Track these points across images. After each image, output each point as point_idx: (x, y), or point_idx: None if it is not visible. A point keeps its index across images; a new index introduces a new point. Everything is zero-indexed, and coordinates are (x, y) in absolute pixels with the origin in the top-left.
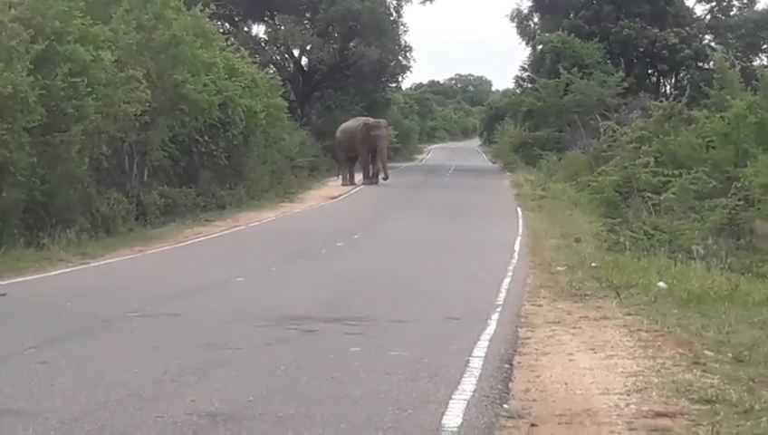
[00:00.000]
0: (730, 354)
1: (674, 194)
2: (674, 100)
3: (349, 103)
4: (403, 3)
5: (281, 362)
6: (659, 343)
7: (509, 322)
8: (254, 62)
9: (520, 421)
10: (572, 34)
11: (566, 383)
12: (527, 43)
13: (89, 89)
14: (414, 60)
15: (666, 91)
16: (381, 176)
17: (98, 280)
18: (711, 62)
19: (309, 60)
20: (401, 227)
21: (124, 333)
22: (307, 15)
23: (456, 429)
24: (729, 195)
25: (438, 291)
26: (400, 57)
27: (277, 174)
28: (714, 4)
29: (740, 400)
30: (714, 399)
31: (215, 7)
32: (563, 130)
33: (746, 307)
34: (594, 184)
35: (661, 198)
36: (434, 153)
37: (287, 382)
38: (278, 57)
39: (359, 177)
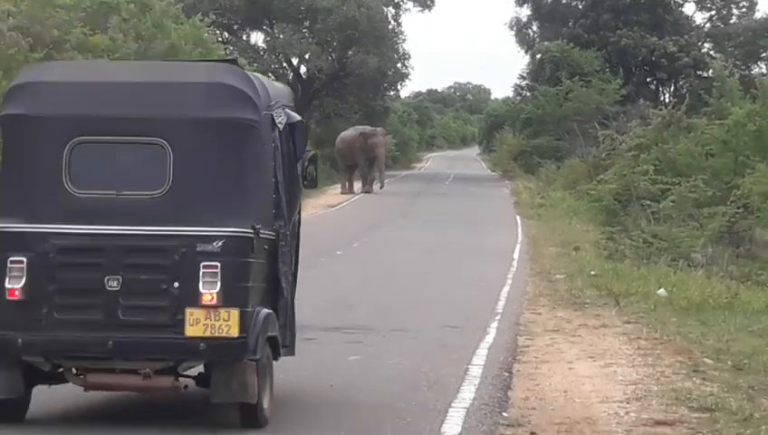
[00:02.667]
0: (729, 362)
1: (673, 202)
2: (673, 108)
3: (348, 112)
4: (401, 11)
5: (279, 370)
6: (659, 352)
7: (508, 330)
8: (253, 71)
9: (519, 429)
10: (571, 43)
11: (565, 391)
12: (526, 52)
13: None
14: (412, 68)
15: (665, 99)
16: (377, 185)
17: None
18: (710, 71)
19: (308, 68)
20: (400, 236)
21: None
22: (306, 24)
23: None
24: (728, 203)
25: (438, 299)
26: (399, 65)
27: None
28: (713, 12)
29: (739, 408)
30: (713, 407)
31: (214, 16)
32: (562, 139)
33: (746, 315)
34: (593, 192)
35: (660, 206)
36: (433, 161)
37: (286, 391)
38: (277, 66)
39: (358, 185)
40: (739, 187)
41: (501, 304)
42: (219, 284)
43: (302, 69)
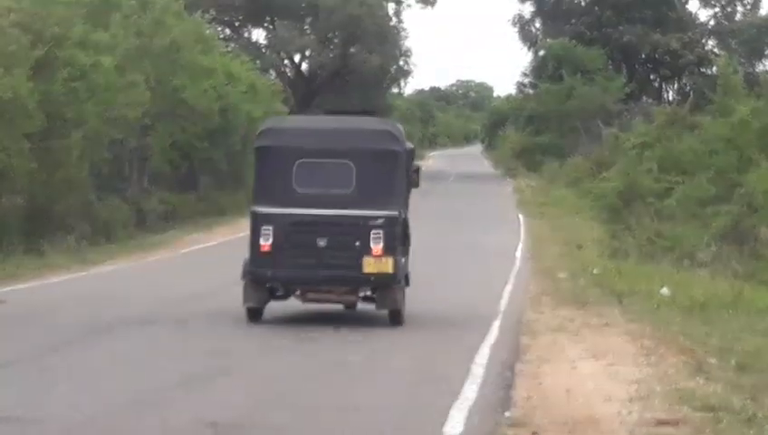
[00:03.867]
0: (733, 362)
1: (677, 200)
2: (677, 105)
3: (350, 109)
4: (403, 8)
5: (282, 370)
6: (662, 351)
7: (511, 329)
8: (255, 68)
9: (522, 429)
10: (574, 40)
11: (568, 391)
12: (529, 49)
13: (89, 93)
14: (414, 65)
15: (668, 96)
16: None
17: (98, 287)
18: (714, 68)
19: (309, 65)
20: None
21: (125, 340)
22: (307, 21)
23: None
24: (733, 201)
25: (440, 298)
26: (401, 62)
27: None
28: (717, 9)
29: (743, 407)
30: (717, 406)
31: (214, 13)
32: (565, 136)
33: (750, 314)
34: (596, 190)
35: (664, 204)
36: (435, 159)
37: (289, 390)
38: (278, 63)
39: None
40: (743, 185)
41: (503, 302)
42: (382, 243)
43: (304, 66)
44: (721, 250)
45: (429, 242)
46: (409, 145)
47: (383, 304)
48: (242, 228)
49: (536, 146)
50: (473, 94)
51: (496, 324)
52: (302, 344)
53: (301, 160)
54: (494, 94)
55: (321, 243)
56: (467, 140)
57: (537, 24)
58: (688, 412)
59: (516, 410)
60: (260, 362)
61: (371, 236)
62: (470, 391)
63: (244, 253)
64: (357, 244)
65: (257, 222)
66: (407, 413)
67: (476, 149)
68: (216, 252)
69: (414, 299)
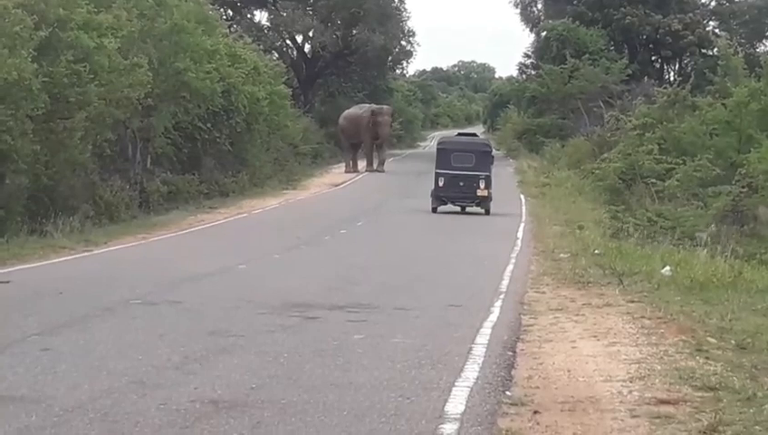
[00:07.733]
0: (733, 341)
1: (678, 181)
2: (678, 86)
3: (352, 90)
4: None
5: (283, 349)
6: (662, 331)
7: (512, 309)
8: (257, 49)
9: (523, 408)
10: (576, 21)
11: (569, 370)
12: (531, 30)
13: (92, 75)
14: (418, 44)
15: (669, 77)
16: (381, 165)
17: (101, 267)
18: (715, 49)
19: (312, 46)
20: (404, 215)
21: (127, 320)
22: (310, 1)
23: (458, 416)
24: (733, 182)
25: (441, 278)
26: (404, 43)
27: (280, 161)
28: None
29: (743, 387)
30: (716, 386)
31: None
32: (567, 118)
33: (750, 294)
34: (598, 171)
35: (665, 184)
36: (437, 141)
37: (290, 370)
38: (281, 44)
39: (362, 164)
40: (743, 165)
41: (505, 282)
42: (484, 184)
43: (307, 47)
44: (721, 230)
45: (430, 222)
46: (492, 147)
47: (484, 207)
48: (244, 209)
49: (538, 127)
50: (474, 76)
51: (498, 304)
52: (303, 324)
53: (454, 153)
54: (496, 75)
55: (461, 184)
56: (469, 121)
57: (539, 5)
58: (688, 392)
59: (517, 390)
60: (261, 342)
61: (480, 182)
62: (471, 371)
63: (248, 235)
64: (474, 185)
65: (438, 176)
66: (409, 392)
67: (478, 130)
68: (219, 233)
69: (416, 279)
